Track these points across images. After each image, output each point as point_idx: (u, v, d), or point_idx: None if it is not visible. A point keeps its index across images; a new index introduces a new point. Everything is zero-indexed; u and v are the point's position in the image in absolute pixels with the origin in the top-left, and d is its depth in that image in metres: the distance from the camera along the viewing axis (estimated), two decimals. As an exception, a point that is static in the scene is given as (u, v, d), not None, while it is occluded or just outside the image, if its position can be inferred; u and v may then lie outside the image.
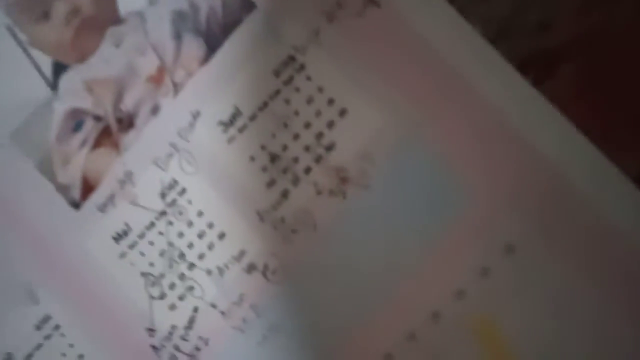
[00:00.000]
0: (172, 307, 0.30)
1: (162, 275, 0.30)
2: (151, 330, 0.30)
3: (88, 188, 0.31)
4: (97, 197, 0.31)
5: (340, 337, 0.28)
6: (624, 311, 0.25)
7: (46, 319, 0.32)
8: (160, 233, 0.30)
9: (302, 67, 0.28)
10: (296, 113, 0.29)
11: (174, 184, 0.30)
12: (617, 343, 0.25)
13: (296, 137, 0.29)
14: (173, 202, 0.30)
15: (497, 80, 0.27)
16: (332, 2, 0.28)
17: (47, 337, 0.32)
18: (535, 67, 0.27)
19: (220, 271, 0.29)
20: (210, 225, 0.30)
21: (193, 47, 0.30)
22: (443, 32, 0.28)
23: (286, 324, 0.29)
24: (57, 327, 0.32)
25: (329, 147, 0.28)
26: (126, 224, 0.31)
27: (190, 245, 0.30)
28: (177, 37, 0.30)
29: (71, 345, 0.32)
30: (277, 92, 0.29)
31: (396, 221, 0.28)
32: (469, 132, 0.27)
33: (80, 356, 0.32)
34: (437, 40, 0.28)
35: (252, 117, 0.29)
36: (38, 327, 0.32)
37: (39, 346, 0.32)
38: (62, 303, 0.32)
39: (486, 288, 0.26)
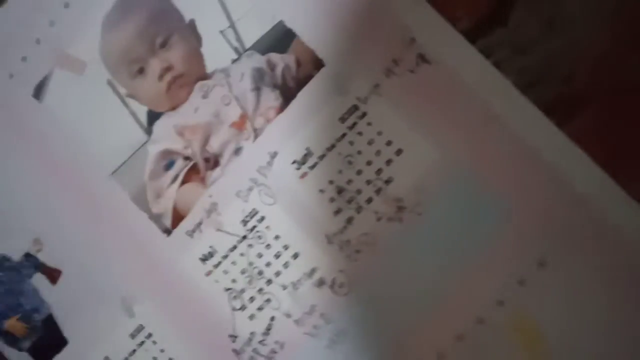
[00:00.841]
0: (252, 317, 0.33)
1: (243, 290, 0.33)
2: (233, 337, 0.34)
3: (178, 217, 0.34)
4: (186, 225, 0.34)
5: (398, 340, 0.31)
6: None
7: (140, 328, 0.35)
8: (242, 254, 0.33)
9: (364, 115, 0.32)
10: (359, 153, 0.32)
11: (254, 213, 0.33)
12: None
13: (359, 172, 0.32)
14: (253, 228, 0.33)
15: (527, 121, 0.30)
16: (389, 60, 0.32)
17: (141, 344, 0.35)
18: (559, 111, 0.30)
19: (294, 286, 0.33)
20: (286, 247, 0.33)
21: (270, 98, 0.33)
22: (483, 83, 0.31)
23: (351, 329, 0.32)
24: (149, 335, 0.35)
25: (388, 181, 0.32)
26: (212, 247, 0.34)
27: (268, 264, 0.33)
28: (257, 89, 0.33)
29: (162, 351, 0.35)
30: (343, 135, 0.32)
31: (445, 241, 0.31)
32: (507, 165, 0.31)
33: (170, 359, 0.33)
34: (479, 90, 0.31)
35: (322, 157, 0.32)
36: (133, 336, 0.35)
37: (133, 352, 0.35)
38: (154, 315, 0.35)
39: (523, 296, 0.30)
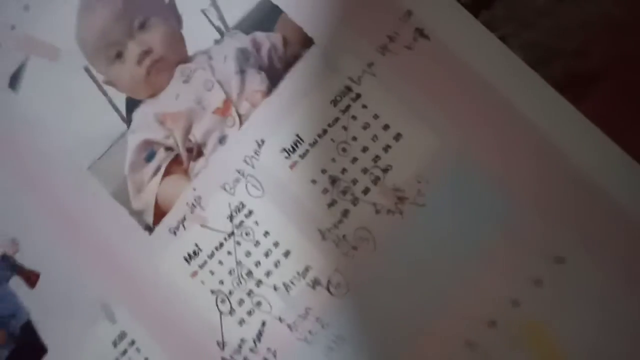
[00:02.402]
0: (241, 321, 0.32)
1: (231, 292, 0.32)
2: (222, 344, 0.32)
3: (160, 213, 0.34)
4: (169, 221, 0.33)
5: (402, 346, 0.30)
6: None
7: (122, 335, 0.34)
8: (229, 253, 0.33)
9: (358, 97, 0.31)
10: (354, 139, 0.31)
11: (241, 207, 0.32)
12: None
13: (354, 160, 0.31)
14: (240, 224, 0.32)
15: (538, 100, 0.29)
16: (384, 36, 0.31)
17: (123, 352, 0.34)
18: (572, 89, 0.29)
19: (287, 287, 0.32)
20: (276, 244, 0.32)
21: (256, 81, 0.33)
22: (487, 60, 0.30)
23: (351, 334, 0.31)
24: (132, 342, 0.34)
25: (386, 169, 0.31)
26: (196, 245, 0.33)
27: (258, 264, 0.32)
28: (241, 72, 0.33)
29: (146, 359, 0.34)
30: (335, 120, 0.31)
31: (452, 235, 0.30)
32: (515, 151, 0.29)
33: None
34: (482, 68, 0.30)
35: (313, 144, 0.32)
36: (115, 344, 0.34)
37: None
38: (137, 320, 0.34)
39: (539, 297, 0.29)
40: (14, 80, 0.36)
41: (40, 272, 0.36)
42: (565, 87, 0.29)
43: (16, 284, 0.36)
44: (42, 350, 0.36)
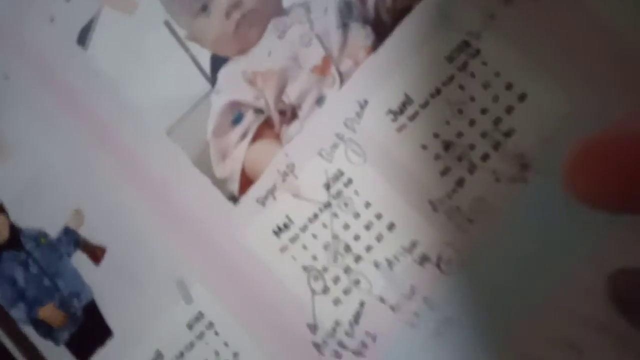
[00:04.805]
0: (337, 301, 0.32)
1: (325, 269, 0.32)
2: (313, 327, 0.33)
3: (247, 182, 0.34)
4: (256, 191, 0.34)
5: (520, 328, 0.30)
6: None
7: (199, 317, 0.35)
8: (324, 225, 0.33)
9: (477, 52, 0.31)
10: (472, 99, 0.31)
11: (339, 174, 0.32)
12: None
13: (472, 123, 0.31)
14: (338, 194, 0.32)
15: None
16: None
17: (200, 335, 0.34)
18: None
19: (390, 263, 0.32)
20: (379, 217, 0.32)
21: (360, 36, 0.33)
22: (622, 11, 0.29)
23: (461, 317, 0.31)
24: (210, 325, 0.34)
25: (508, 133, 0.30)
26: (288, 217, 0.33)
27: (357, 237, 0.32)
28: (344, 26, 0.33)
29: (226, 344, 0.34)
30: (451, 78, 0.31)
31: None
32: None
33: (235, 354, 0.34)
34: (617, 20, 0.29)
35: (424, 105, 0.31)
36: (190, 326, 0.35)
37: (190, 345, 0.35)
38: (216, 300, 0.35)
39: None
40: (84, 35, 0.36)
41: (106, 246, 0.36)
42: None
43: (80, 259, 0.37)
44: (106, 333, 0.36)
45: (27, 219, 0.37)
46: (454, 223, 0.31)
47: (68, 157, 0.36)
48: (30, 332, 0.38)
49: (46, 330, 0.38)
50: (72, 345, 0.37)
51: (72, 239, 0.37)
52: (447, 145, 0.31)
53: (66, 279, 0.37)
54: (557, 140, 0.29)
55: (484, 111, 0.30)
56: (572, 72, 0.30)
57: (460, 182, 0.31)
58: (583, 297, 0.29)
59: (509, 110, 0.30)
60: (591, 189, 0.24)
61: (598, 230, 0.29)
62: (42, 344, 0.37)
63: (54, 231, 0.37)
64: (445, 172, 0.31)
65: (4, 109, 0.37)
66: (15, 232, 0.38)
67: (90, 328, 0.37)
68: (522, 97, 0.30)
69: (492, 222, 0.30)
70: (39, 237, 0.37)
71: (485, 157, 0.30)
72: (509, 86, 0.30)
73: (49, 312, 0.37)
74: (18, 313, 0.38)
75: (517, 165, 0.30)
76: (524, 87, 0.30)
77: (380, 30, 0.32)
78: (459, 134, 0.31)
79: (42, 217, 0.37)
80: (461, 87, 0.31)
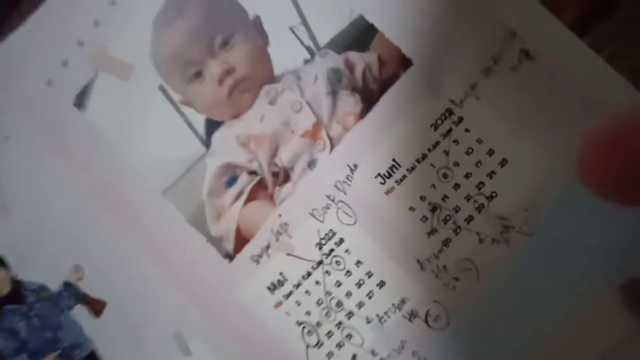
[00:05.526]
0: (330, 355, 0.33)
1: (319, 324, 0.33)
2: None
3: (242, 240, 0.34)
4: (251, 249, 0.34)
5: None
6: None
7: None
8: (317, 282, 0.33)
9: (460, 120, 0.32)
10: (456, 164, 0.32)
11: (331, 234, 0.33)
12: None
13: (456, 187, 0.32)
14: (330, 252, 0.33)
15: None
16: (488, 57, 0.31)
17: None
18: None
19: (380, 319, 0.32)
20: (369, 275, 0.32)
21: (349, 103, 0.33)
22: (594, 81, 0.30)
23: None
24: None
25: (491, 197, 0.31)
26: (282, 274, 0.33)
27: (349, 294, 0.33)
28: (333, 93, 0.34)
29: None
30: (436, 144, 0.32)
31: (560, 265, 0.30)
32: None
33: None
34: (591, 89, 0.30)
35: (411, 169, 0.32)
36: None
37: None
38: (214, 353, 0.34)
39: None
40: (80, 99, 0.36)
41: (106, 300, 0.36)
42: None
43: (80, 313, 0.37)
44: None
45: (28, 273, 0.37)
46: (441, 281, 0.31)
47: (68, 214, 0.36)
48: (32, 383, 0.39)
49: (48, 381, 0.39)
50: (73, 397, 0.39)
51: (73, 293, 0.37)
52: (433, 208, 0.32)
53: (67, 331, 0.37)
54: (537, 203, 0.30)
55: (467, 176, 0.31)
56: (548, 139, 0.31)
57: (446, 243, 0.31)
58: (566, 354, 0.30)
59: (491, 175, 0.31)
60: (598, 175, 0.27)
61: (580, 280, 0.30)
62: (44, 395, 0.38)
63: (54, 285, 0.37)
64: (432, 233, 0.31)
65: (5, 168, 0.37)
66: (16, 285, 0.37)
67: (91, 379, 0.38)
68: (503, 163, 0.31)
69: (477, 280, 0.31)
70: (40, 290, 0.37)
71: (469, 219, 0.31)
72: (490, 152, 0.31)
73: (50, 363, 0.39)
74: (19, 365, 0.39)
75: (499, 227, 0.31)
76: (505, 153, 0.31)
77: (368, 98, 0.33)
78: (445, 197, 0.31)
79: (43, 271, 0.37)
80: (446, 153, 0.32)
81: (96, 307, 0.37)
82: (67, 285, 0.37)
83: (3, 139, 0.37)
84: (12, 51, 0.37)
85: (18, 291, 0.37)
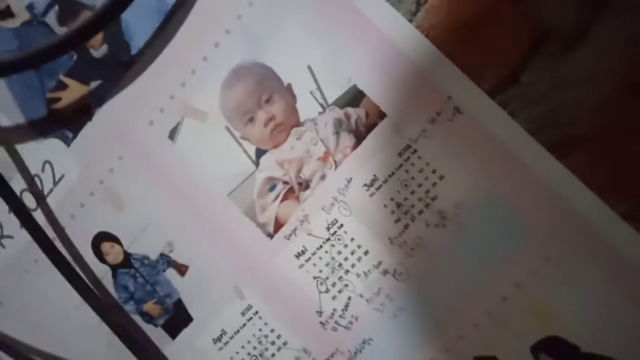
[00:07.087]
0: (334, 297, 0.41)
1: (327, 278, 0.40)
2: (319, 313, 0.40)
3: (278, 225, 0.41)
4: (284, 231, 0.41)
5: (443, 314, 0.38)
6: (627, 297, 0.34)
7: (249, 307, 0.43)
8: (326, 252, 0.40)
9: (415, 151, 0.37)
10: (412, 178, 0.37)
11: (335, 221, 0.39)
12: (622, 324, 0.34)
13: (413, 192, 0.38)
14: (334, 233, 0.40)
15: (536, 158, 0.35)
16: (433, 112, 0.36)
17: (249, 319, 0.43)
18: (559, 149, 0.34)
19: (365, 274, 0.39)
20: (359, 246, 0.39)
21: (347, 140, 0.40)
22: (501, 129, 0.36)
23: (410, 306, 0.38)
24: (256, 312, 0.43)
25: (434, 198, 0.37)
26: (303, 247, 0.40)
27: (346, 259, 0.40)
28: (337, 133, 0.40)
29: (266, 324, 0.42)
30: (400, 165, 0.37)
31: (477, 242, 0.37)
32: (521, 191, 0.35)
33: (272, 330, 0.43)
34: (501, 135, 0.35)
35: (385, 181, 0.38)
36: (243, 313, 0.43)
37: (243, 325, 0.43)
38: (260, 297, 0.42)
39: (536, 282, 0.36)
40: (172, 134, 0.41)
41: (189, 265, 0.42)
42: (556, 148, 0.34)
43: (171, 274, 0.43)
44: (189, 319, 0.43)
45: (136, 247, 0.43)
46: (403, 251, 0.38)
47: (164, 212, 0.42)
48: (138, 319, 0.44)
49: (148, 318, 0.44)
50: (166, 327, 0.43)
51: (166, 260, 0.42)
52: (398, 205, 0.38)
53: (162, 286, 0.43)
54: (463, 204, 0.38)
55: (419, 185, 0.37)
56: (472, 165, 0.36)
57: (406, 227, 0.38)
58: (481, 296, 0.38)
59: (434, 185, 0.37)
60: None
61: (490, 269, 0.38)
62: (146, 327, 0.44)
63: (153, 255, 0.43)
64: (397, 220, 0.38)
65: (122, 180, 0.43)
66: (127, 256, 0.43)
67: (178, 316, 0.43)
68: (442, 177, 0.37)
69: (425, 251, 0.38)
70: (143, 259, 0.43)
71: (420, 212, 0.37)
72: (434, 171, 0.37)
73: (150, 306, 0.43)
74: (129, 308, 0.44)
75: (439, 218, 0.37)
76: (444, 172, 0.37)
77: (359, 137, 0.38)
78: (405, 199, 0.38)
79: (146, 246, 0.43)
80: (406, 171, 0.37)
81: (182, 269, 0.42)
82: (162, 255, 0.42)
83: (117, 158, 0.42)
84: (125, 102, 0.41)
85: (128, 260, 0.43)
